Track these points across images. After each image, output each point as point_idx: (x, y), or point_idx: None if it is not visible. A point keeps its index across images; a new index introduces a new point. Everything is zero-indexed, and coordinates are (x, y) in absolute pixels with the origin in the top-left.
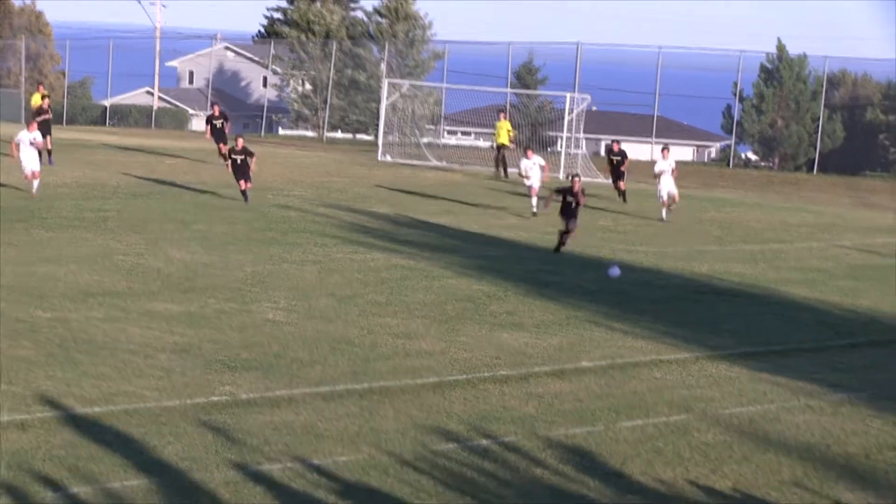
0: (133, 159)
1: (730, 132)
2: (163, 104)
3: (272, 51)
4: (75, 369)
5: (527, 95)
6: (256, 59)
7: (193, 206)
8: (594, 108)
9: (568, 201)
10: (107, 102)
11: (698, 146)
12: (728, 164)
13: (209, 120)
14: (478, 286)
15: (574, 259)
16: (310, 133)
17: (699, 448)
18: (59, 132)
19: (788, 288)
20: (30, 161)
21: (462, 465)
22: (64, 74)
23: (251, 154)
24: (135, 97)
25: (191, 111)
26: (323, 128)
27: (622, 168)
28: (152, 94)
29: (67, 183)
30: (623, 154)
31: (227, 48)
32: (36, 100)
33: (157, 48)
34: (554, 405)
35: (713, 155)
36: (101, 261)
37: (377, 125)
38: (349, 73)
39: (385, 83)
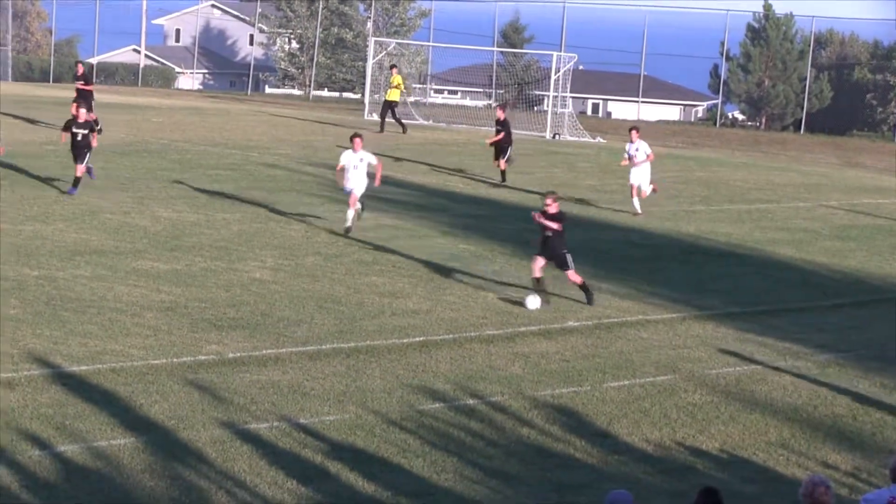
0: (119, 117)
1: (716, 92)
2: (149, 62)
3: (259, 9)
4: (62, 328)
5: (513, 54)
6: (243, 17)
7: (180, 164)
8: (581, 68)
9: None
10: (93, 60)
11: (685, 105)
12: (715, 124)
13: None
14: (464, 245)
15: None
16: (296, 91)
17: (686, 408)
18: (45, 90)
19: (775, 248)
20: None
21: (448, 425)
22: (51, 32)
23: (94, 129)
24: (121, 55)
25: (177, 69)
26: (310, 86)
27: (503, 142)
28: (139, 52)
29: (54, 141)
30: (506, 125)
31: (213, 6)
32: None
33: (144, 6)
34: (540, 365)
35: (700, 115)
36: (88, 219)
37: (364, 84)
38: (336, 31)
39: (371, 42)
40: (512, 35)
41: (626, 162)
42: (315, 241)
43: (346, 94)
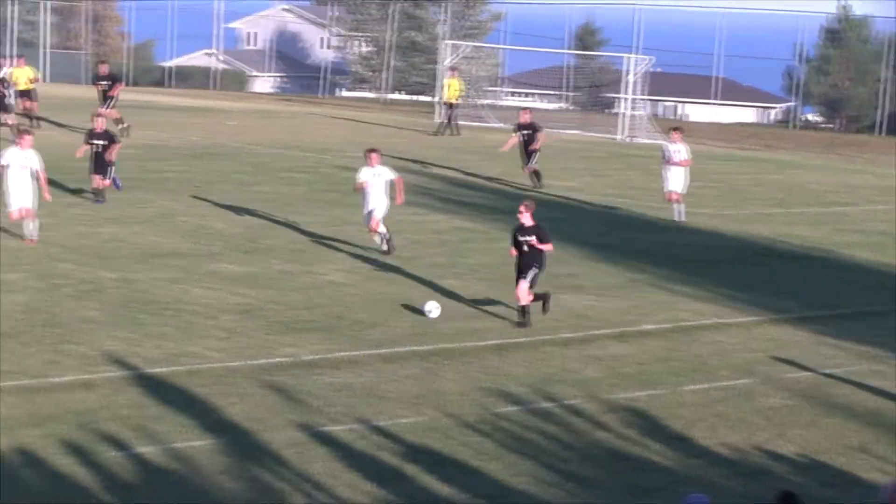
0: (194, 120)
1: (790, 93)
2: (224, 66)
3: (332, 12)
4: (139, 330)
5: (586, 57)
6: (317, 20)
7: (253, 167)
8: (655, 70)
9: (519, 242)
10: (169, 64)
11: (760, 108)
12: (791, 126)
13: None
14: None
15: (635, 221)
16: (370, 94)
17: (763, 412)
18: (121, 93)
19: (851, 251)
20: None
21: (524, 428)
22: (127, 36)
23: (114, 140)
24: (196, 58)
25: (251, 72)
26: (383, 89)
27: (532, 147)
28: (213, 56)
29: (130, 144)
30: (534, 128)
31: (287, 9)
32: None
33: (219, 10)
34: (616, 368)
35: (776, 117)
36: (164, 222)
37: (437, 87)
38: (409, 34)
39: (444, 44)
40: (586, 37)
41: (668, 163)
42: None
43: (419, 97)
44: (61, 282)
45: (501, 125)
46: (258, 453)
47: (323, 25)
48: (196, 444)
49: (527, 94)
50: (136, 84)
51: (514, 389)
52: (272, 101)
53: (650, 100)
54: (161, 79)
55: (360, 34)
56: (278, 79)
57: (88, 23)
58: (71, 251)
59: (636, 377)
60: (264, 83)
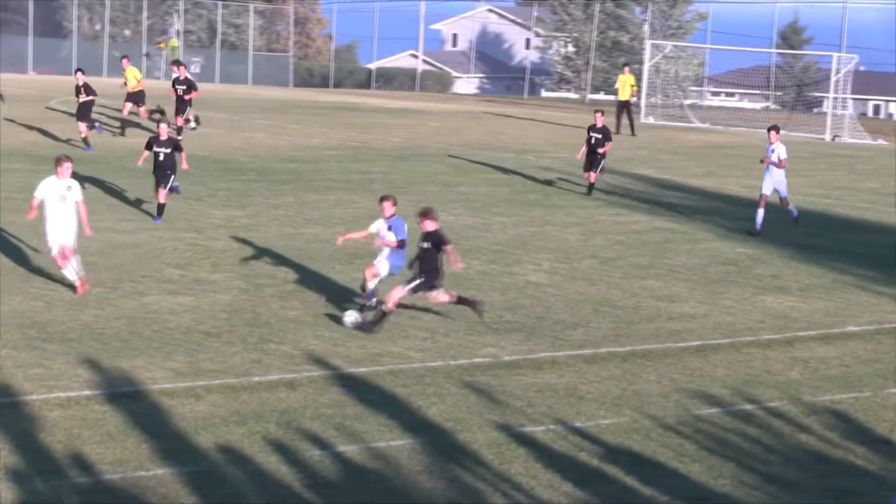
0: (397, 122)
1: None
2: (427, 67)
3: (535, 12)
4: (342, 329)
5: (792, 56)
6: (519, 20)
7: (456, 168)
8: (862, 68)
9: (424, 248)
10: (372, 66)
11: None
12: None
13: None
14: (741, 249)
15: (839, 221)
16: (572, 95)
17: None
18: (325, 95)
19: None
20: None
21: (725, 430)
22: (331, 38)
23: (179, 148)
24: (399, 60)
25: (454, 74)
26: (585, 90)
27: (599, 151)
28: (417, 57)
29: (334, 146)
30: (605, 133)
31: (490, 10)
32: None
33: (422, 11)
34: (819, 370)
35: None
36: (367, 223)
37: (639, 87)
38: (612, 34)
39: (648, 44)
40: (791, 36)
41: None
42: (591, 244)
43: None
44: (265, 282)
45: (705, 125)
46: (458, 453)
47: (525, 26)
48: (396, 443)
49: (730, 94)
50: (339, 86)
51: (715, 391)
52: (475, 103)
53: (856, 99)
54: (364, 80)
55: (563, 34)
56: (481, 80)
57: (293, 25)
58: (274, 251)
59: (840, 379)
60: (466, 84)
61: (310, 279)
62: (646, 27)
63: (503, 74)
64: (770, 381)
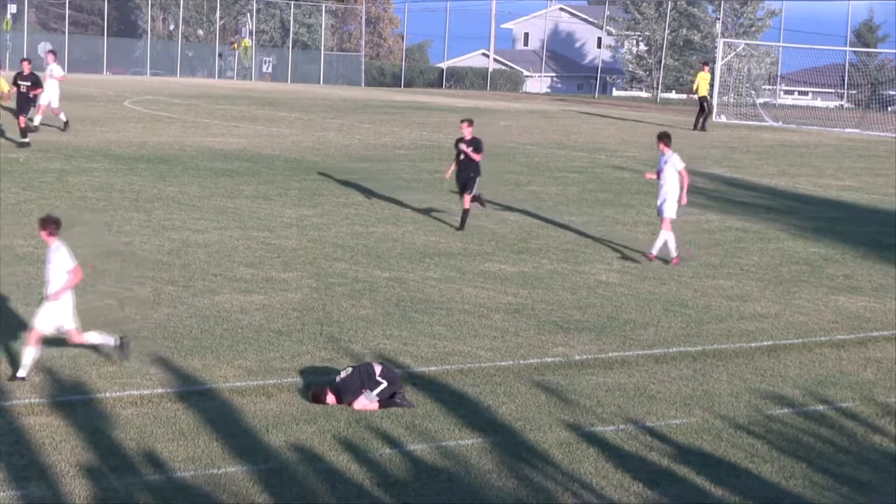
0: None
1: None
2: (498, 66)
3: (607, 11)
4: (412, 328)
5: (866, 54)
6: (591, 20)
7: (527, 167)
8: None
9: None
10: (443, 65)
11: None
12: None
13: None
14: (814, 248)
15: None
16: (643, 94)
17: None
18: (396, 94)
19: None
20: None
21: (797, 431)
22: (402, 37)
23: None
24: (471, 59)
25: (525, 73)
26: (657, 89)
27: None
28: (488, 56)
29: (405, 144)
30: (477, 144)
31: (561, 9)
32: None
33: (494, 10)
34: (893, 371)
35: None
36: (436, 222)
37: (712, 86)
38: (683, 32)
39: (720, 43)
40: (866, 34)
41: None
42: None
43: (693, 96)
44: (335, 280)
45: (777, 124)
46: (527, 453)
47: (597, 25)
48: (466, 442)
49: (803, 93)
50: (410, 85)
51: (787, 391)
52: (546, 101)
53: None
54: (435, 80)
55: (635, 33)
56: (552, 79)
57: (365, 25)
58: (345, 250)
59: None
60: (538, 83)
61: (380, 278)
62: (718, 25)
63: (574, 73)
64: (843, 382)
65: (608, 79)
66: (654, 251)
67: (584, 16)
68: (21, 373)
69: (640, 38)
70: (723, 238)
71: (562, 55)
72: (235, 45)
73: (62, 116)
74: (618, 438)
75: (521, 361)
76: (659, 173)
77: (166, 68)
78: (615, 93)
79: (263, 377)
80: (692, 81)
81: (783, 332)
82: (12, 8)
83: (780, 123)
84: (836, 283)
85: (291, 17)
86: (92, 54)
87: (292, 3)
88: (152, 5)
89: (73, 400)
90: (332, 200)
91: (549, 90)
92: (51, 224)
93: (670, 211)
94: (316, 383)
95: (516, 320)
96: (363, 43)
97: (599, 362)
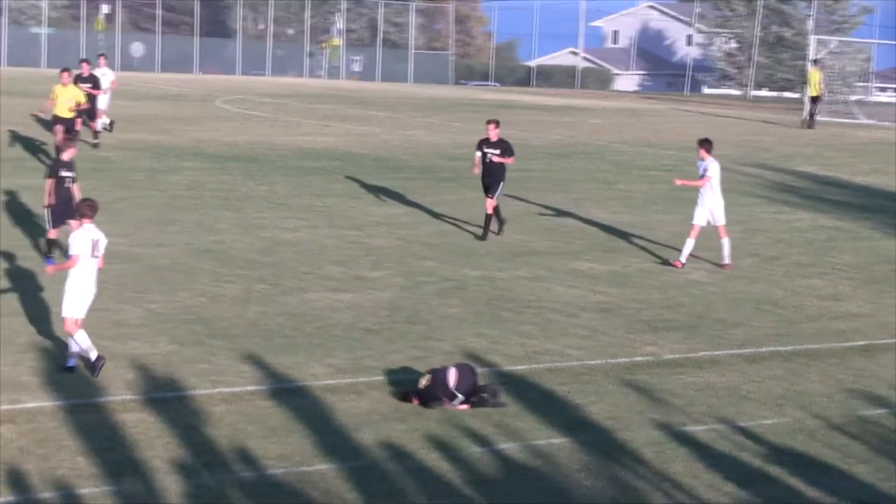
0: (557, 119)
1: None
2: (587, 64)
3: (697, 9)
4: (501, 327)
5: None
6: (681, 17)
7: (616, 165)
8: None
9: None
10: (532, 63)
11: None
12: None
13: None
14: None
15: None
16: (734, 91)
17: None
18: (485, 93)
19: None
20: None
21: (892, 431)
22: (491, 36)
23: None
24: (559, 57)
25: (614, 70)
26: (748, 86)
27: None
28: (577, 55)
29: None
30: (506, 147)
31: (651, 7)
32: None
33: (583, 8)
34: None
35: None
36: (525, 220)
37: (804, 83)
38: (775, 29)
39: (812, 39)
40: None
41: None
42: (752, 242)
43: (785, 94)
44: (425, 279)
45: (871, 121)
46: (617, 452)
47: (687, 22)
48: (555, 441)
49: None
50: (499, 83)
51: (882, 392)
52: (636, 100)
53: None
54: (524, 78)
55: (726, 31)
56: (642, 77)
57: (453, 23)
58: (434, 249)
59: None
60: (627, 81)
61: (469, 277)
62: (810, 22)
63: (664, 71)
64: None
65: (698, 76)
66: (726, 259)
67: (674, 13)
68: (71, 362)
69: (731, 36)
70: (814, 237)
71: (651, 53)
72: (324, 45)
73: (105, 119)
74: (709, 438)
75: (611, 360)
76: (702, 177)
77: (257, 67)
78: (705, 90)
79: (353, 375)
80: (786, 79)
81: (877, 331)
82: (105, 8)
83: (874, 121)
84: None
85: (380, 16)
86: (183, 54)
87: (381, 1)
88: (243, 5)
89: (166, 397)
90: (421, 199)
91: (638, 88)
92: (83, 207)
93: (720, 218)
94: (403, 384)
95: (606, 319)
96: (452, 41)
97: (690, 361)
